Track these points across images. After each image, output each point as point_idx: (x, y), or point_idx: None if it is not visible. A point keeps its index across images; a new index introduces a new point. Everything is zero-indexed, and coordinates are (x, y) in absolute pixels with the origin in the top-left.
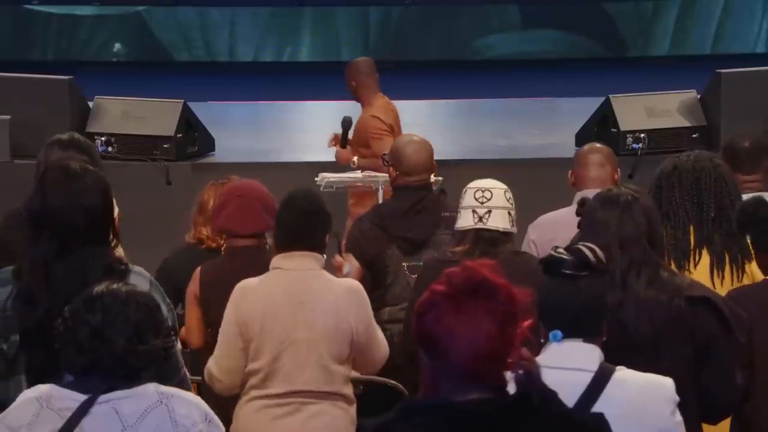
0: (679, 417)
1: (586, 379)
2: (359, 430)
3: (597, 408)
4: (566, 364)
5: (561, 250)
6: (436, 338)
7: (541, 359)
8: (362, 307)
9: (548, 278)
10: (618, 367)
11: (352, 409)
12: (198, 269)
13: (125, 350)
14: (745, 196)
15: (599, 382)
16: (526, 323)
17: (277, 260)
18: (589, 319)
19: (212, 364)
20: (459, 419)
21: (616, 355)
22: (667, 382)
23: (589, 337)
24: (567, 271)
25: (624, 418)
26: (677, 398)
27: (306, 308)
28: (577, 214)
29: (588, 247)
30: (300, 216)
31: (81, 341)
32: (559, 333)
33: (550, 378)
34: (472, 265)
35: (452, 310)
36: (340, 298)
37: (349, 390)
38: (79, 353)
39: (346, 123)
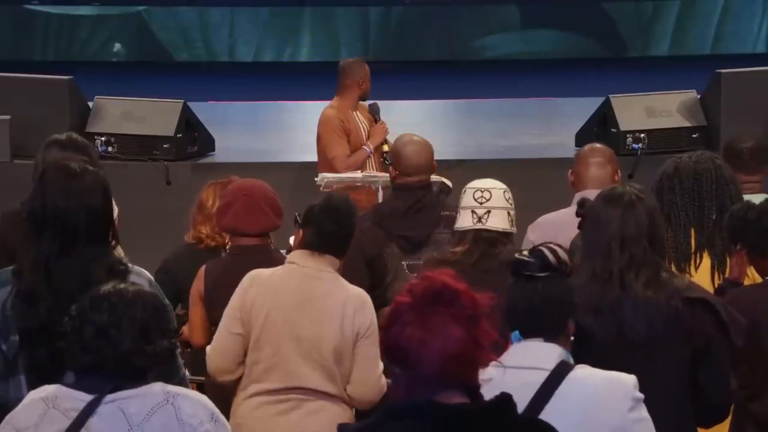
0: (639, 414)
1: (541, 377)
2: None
3: (550, 406)
4: (522, 364)
5: (525, 253)
6: (406, 349)
7: (503, 359)
8: (368, 315)
9: (512, 280)
10: (578, 366)
11: (352, 411)
12: (202, 268)
13: (130, 350)
14: (746, 197)
15: (553, 380)
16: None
17: (294, 256)
18: (548, 319)
19: (209, 345)
20: (441, 420)
21: (611, 354)
22: (627, 379)
23: (550, 337)
24: (527, 273)
25: (578, 416)
26: (638, 395)
27: (313, 307)
28: (577, 214)
29: (549, 248)
30: (340, 227)
31: (86, 340)
32: (517, 333)
33: (506, 377)
34: (432, 274)
35: (417, 319)
36: (348, 303)
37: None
38: (83, 352)
39: (377, 108)
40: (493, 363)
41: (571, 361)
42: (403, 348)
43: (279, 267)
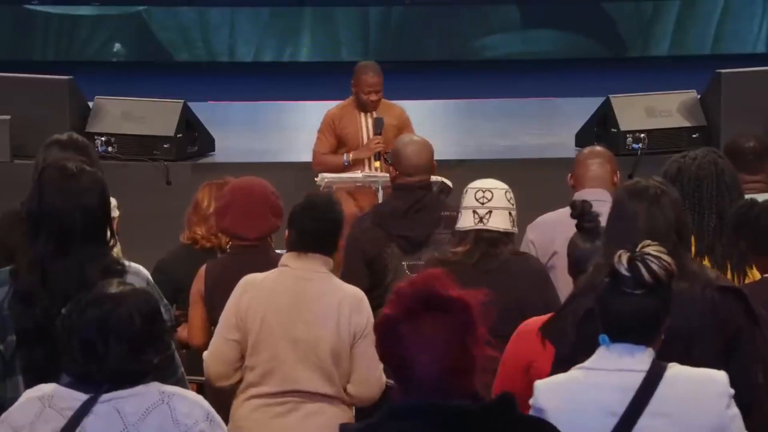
0: (734, 410)
1: (637, 379)
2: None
3: (651, 407)
4: (617, 366)
5: (623, 259)
6: (400, 359)
7: (591, 362)
8: (364, 315)
9: (608, 285)
10: (669, 364)
11: (351, 412)
12: (203, 268)
13: (120, 363)
14: (748, 197)
15: (651, 381)
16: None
17: (286, 259)
18: (640, 330)
19: (206, 351)
20: (441, 420)
21: None
22: (720, 376)
23: (642, 341)
24: (624, 289)
25: (678, 416)
26: (731, 391)
27: (307, 308)
28: (572, 216)
29: (645, 264)
30: (320, 224)
31: (74, 353)
32: (606, 338)
33: (601, 380)
34: (421, 279)
35: (410, 330)
36: (343, 302)
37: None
38: (73, 363)
39: (381, 123)
40: (577, 366)
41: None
42: (397, 358)
43: (272, 271)
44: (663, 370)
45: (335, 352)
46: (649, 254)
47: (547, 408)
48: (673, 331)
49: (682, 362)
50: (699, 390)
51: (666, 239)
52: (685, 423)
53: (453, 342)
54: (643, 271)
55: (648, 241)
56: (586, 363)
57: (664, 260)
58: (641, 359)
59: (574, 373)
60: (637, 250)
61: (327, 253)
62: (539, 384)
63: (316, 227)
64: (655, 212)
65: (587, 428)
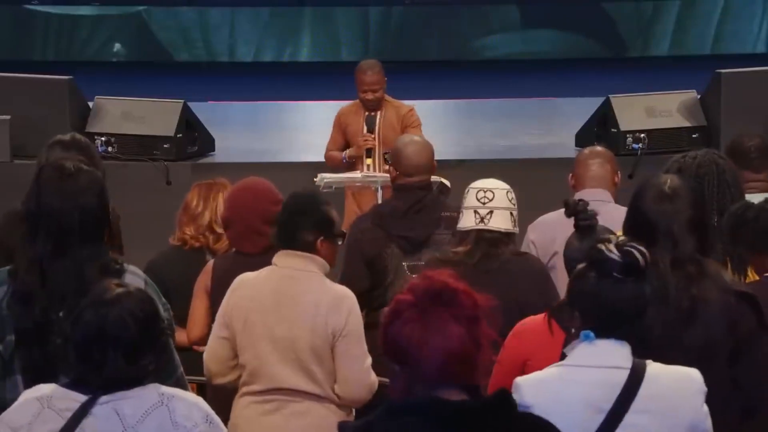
0: (706, 408)
1: (620, 376)
2: (339, 429)
3: (636, 405)
4: (601, 363)
5: (611, 247)
6: (406, 346)
7: (573, 358)
8: (343, 315)
9: (594, 275)
10: (647, 361)
11: (343, 412)
12: (210, 263)
13: (115, 371)
14: (749, 196)
15: (636, 378)
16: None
17: (276, 257)
18: (627, 322)
19: (205, 350)
20: (440, 417)
21: (668, 350)
22: (695, 374)
23: (623, 336)
24: (616, 275)
25: (660, 412)
26: (705, 388)
27: (288, 307)
28: (566, 215)
29: (638, 249)
30: (287, 216)
31: (70, 358)
32: (591, 334)
33: (586, 377)
34: (432, 274)
35: (418, 317)
36: (321, 302)
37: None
38: (70, 368)
39: (372, 121)
40: (557, 363)
41: None
42: (403, 346)
43: (262, 269)
44: (644, 366)
45: (315, 351)
46: (632, 242)
47: (533, 404)
48: (700, 341)
49: (709, 369)
50: (679, 387)
51: (686, 242)
52: (666, 419)
53: (460, 330)
54: (637, 254)
55: (612, 235)
56: (567, 360)
57: (642, 247)
58: (624, 355)
59: (555, 369)
60: (612, 242)
61: (306, 250)
62: (521, 381)
63: (285, 223)
64: (677, 215)
65: (573, 424)
